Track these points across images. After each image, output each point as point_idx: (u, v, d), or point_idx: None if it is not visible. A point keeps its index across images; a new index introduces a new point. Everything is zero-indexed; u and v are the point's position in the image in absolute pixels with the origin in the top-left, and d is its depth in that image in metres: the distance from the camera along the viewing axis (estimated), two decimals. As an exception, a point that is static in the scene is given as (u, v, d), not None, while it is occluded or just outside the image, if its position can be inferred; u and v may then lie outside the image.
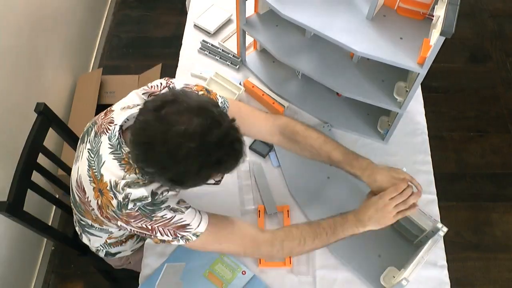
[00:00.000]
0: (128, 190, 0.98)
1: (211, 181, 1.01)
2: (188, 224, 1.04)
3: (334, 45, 1.21)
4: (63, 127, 1.50)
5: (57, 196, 1.54)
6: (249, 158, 1.44)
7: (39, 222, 1.33)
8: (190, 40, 1.73)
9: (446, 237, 1.16)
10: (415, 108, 1.55)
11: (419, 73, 1.14)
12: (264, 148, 1.45)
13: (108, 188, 1.00)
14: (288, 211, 1.34)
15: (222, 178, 1.06)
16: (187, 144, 0.89)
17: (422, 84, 1.28)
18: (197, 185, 0.98)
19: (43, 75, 2.05)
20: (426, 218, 1.16)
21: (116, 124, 1.05)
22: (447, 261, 1.27)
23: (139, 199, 0.98)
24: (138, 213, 0.99)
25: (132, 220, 1.00)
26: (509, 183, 2.27)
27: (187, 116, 0.90)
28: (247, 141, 1.47)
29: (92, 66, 2.65)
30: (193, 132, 0.89)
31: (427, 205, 1.35)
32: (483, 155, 2.36)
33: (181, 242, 1.06)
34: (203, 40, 1.70)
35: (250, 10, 1.47)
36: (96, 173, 1.03)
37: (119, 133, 1.03)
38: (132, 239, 1.40)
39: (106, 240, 1.32)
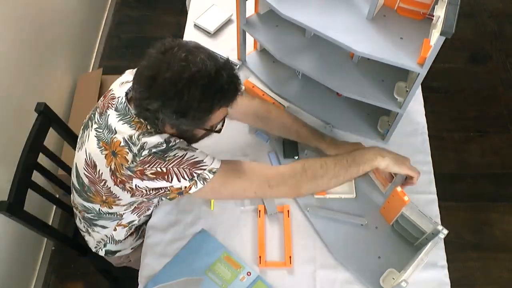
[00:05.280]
0: (143, 139, 1.03)
1: (214, 124, 1.08)
2: (202, 161, 1.07)
3: (334, 45, 1.21)
4: (63, 127, 1.50)
5: (57, 196, 1.54)
6: (249, 158, 1.44)
7: (39, 222, 1.33)
8: (190, 40, 1.73)
9: (446, 237, 1.16)
10: (415, 108, 1.55)
11: (419, 73, 1.14)
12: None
13: (122, 144, 1.04)
14: (288, 211, 1.33)
15: (223, 124, 1.12)
16: (190, 68, 0.96)
17: (422, 84, 1.28)
18: (200, 120, 1.03)
19: (44, 75, 2.05)
20: (426, 220, 1.16)
21: (119, 97, 1.10)
22: (447, 261, 1.27)
23: (155, 146, 1.03)
24: (151, 156, 1.03)
25: (147, 167, 1.03)
26: (509, 183, 2.27)
27: (189, 51, 0.99)
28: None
29: (92, 66, 2.65)
30: (196, 59, 0.97)
31: (427, 205, 1.35)
32: (483, 155, 2.36)
33: (199, 186, 1.07)
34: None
35: (250, 10, 1.47)
36: (106, 141, 1.07)
37: (125, 99, 1.09)
38: (132, 237, 1.40)
39: (112, 234, 1.33)
